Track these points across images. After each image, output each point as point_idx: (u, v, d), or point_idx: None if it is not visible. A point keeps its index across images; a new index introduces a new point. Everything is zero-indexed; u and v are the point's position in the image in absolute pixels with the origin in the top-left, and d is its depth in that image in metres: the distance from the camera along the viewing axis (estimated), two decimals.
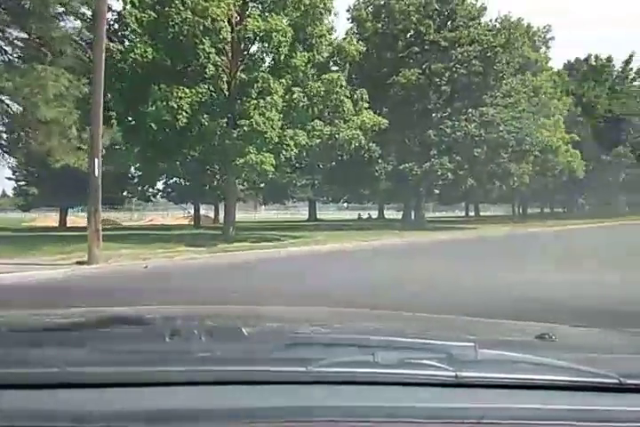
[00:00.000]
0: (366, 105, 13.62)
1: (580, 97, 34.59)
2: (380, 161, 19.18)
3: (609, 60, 38.57)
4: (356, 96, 13.09)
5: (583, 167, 29.64)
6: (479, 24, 20.43)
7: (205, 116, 11.76)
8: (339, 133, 12.19)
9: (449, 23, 20.20)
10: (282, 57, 11.98)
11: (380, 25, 19.56)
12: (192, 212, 25.88)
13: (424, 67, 18.91)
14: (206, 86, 11.80)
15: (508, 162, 20.11)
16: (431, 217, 37.68)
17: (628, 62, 38.91)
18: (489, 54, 19.03)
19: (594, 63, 38.63)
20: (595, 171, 32.73)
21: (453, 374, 0.79)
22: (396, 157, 19.28)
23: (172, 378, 0.78)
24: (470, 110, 19.53)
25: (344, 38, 13.91)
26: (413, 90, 18.78)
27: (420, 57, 19.34)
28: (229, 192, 13.18)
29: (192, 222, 24.03)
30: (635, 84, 38.93)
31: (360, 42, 14.30)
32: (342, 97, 12.23)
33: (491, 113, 19.36)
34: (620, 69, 38.92)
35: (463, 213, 44.25)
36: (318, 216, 37.14)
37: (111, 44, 11.32)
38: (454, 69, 19.18)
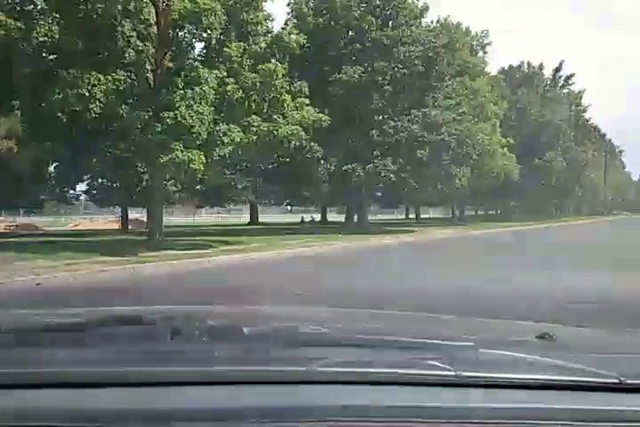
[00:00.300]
0: (307, 101, 12.61)
1: (515, 102, 35.46)
2: (322, 162, 18.23)
3: (540, 67, 40.03)
4: (294, 89, 12.04)
5: (517, 171, 30.23)
6: (420, 24, 20.02)
7: (124, 107, 10.28)
8: (277, 130, 11.07)
9: (391, 22, 19.62)
10: (213, 42, 10.74)
11: (321, 20, 18.65)
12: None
13: (366, 65, 18.18)
14: (125, 74, 10.31)
15: (449, 164, 19.76)
16: (373, 220, 37.39)
17: (557, 70, 40.61)
18: (431, 54, 18.61)
19: (526, 70, 39.86)
20: (528, 174, 33.62)
21: (453, 373, 0.78)
22: (338, 158, 18.40)
23: (172, 378, 0.78)
24: (413, 111, 19.02)
25: (283, 28, 12.82)
26: (356, 88, 18.00)
27: (362, 55, 18.59)
28: (155, 193, 11.70)
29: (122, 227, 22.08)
30: (564, 91, 40.63)
31: (300, 34, 13.26)
32: (281, 90, 11.13)
33: (433, 114, 18.95)
34: (551, 77, 40.49)
35: (403, 216, 44.36)
36: (260, 220, 35.95)
37: (9, 21, 9.62)
38: (397, 69, 18.59)
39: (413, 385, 0.78)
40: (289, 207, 47.46)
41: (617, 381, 0.78)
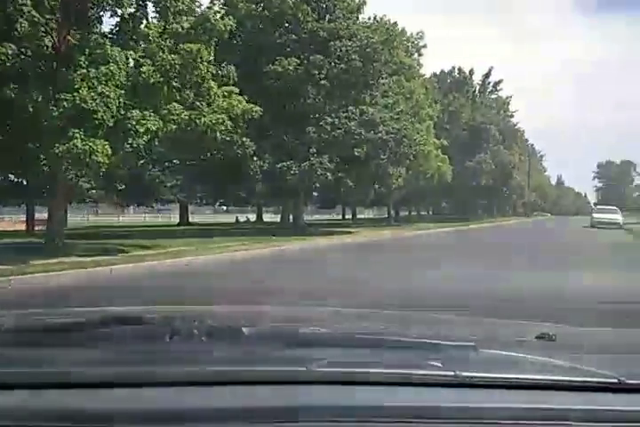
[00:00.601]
0: (237, 90, 11.38)
1: (447, 105, 35.92)
2: (255, 159, 16.97)
3: (471, 72, 41.00)
4: (221, 74, 10.76)
5: (450, 172, 30.51)
6: (357, 19, 19.29)
7: (13, 86, 8.57)
8: (200, 118, 9.74)
9: (327, 15, 18.72)
10: (126, 17, 9.26)
11: (253, 6, 17.40)
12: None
13: (302, 57, 17.14)
14: (13, 47, 8.60)
15: (387, 163, 19.17)
16: (310, 220, 36.53)
17: (487, 76, 41.78)
18: (368, 50, 17.89)
19: (457, 75, 40.68)
20: (459, 176, 34.14)
21: (453, 373, 0.78)
22: (272, 155, 17.22)
23: (172, 378, 0.77)
24: (350, 108, 18.22)
25: (209, 7, 11.47)
26: (291, 81, 16.92)
27: (297, 46, 17.53)
28: (54, 189, 9.97)
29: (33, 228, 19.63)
30: (492, 96, 41.85)
31: (230, 17, 11.98)
32: (205, 74, 9.81)
33: (371, 112, 18.26)
34: (480, 82, 41.58)
35: (340, 217, 43.87)
36: (193, 220, 34.06)
37: None
38: (333, 64, 17.72)
39: (413, 385, 0.78)
40: (224, 207, 45.78)
41: (617, 381, 0.78)
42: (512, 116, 43.36)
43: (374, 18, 22.05)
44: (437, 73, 39.30)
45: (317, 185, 18.76)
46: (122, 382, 0.76)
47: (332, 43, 17.63)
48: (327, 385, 0.76)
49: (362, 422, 0.71)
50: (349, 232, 20.62)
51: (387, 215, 32.63)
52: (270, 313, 1.61)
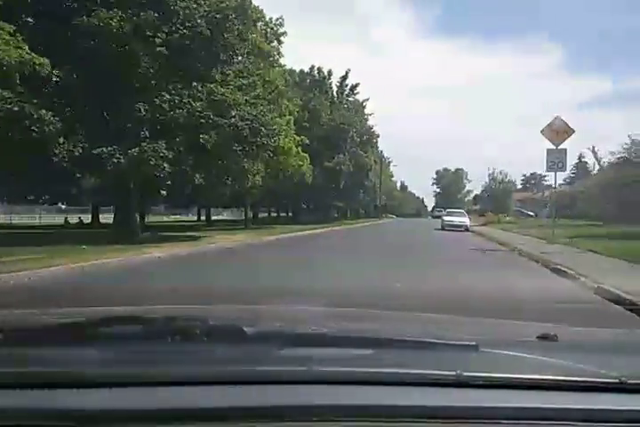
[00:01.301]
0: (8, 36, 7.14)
1: (307, 103, 34.01)
2: (62, 140, 12.35)
3: (329, 73, 39.80)
4: None
5: (310, 172, 28.47)
6: None
7: None
8: None
9: None
10: None
11: None
12: None
13: (130, 12, 13.00)
14: None
15: (242, 156, 15.87)
16: (156, 222, 31.51)
17: (344, 78, 40.97)
18: (219, 16, 14.45)
19: (316, 75, 39.26)
20: (319, 176, 32.45)
21: (454, 373, 0.77)
22: (88, 138, 12.76)
23: (173, 378, 0.76)
24: (196, 84, 14.57)
25: None
26: (114, 41, 12.68)
27: None
28: None
29: None
30: (350, 98, 41.18)
31: None
32: None
33: (221, 92, 14.81)
34: (338, 84, 40.62)
35: (196, 218, 39.30)
36: (16, 221, 27.20)
37: None
38: (174, 28, 13.91)
39: (414, 385, 0.76)
40: (63, 206, 38.08)
41: (619, 381, 0.77)
42: (367, 119, 43.23)
43: None
44: (297, 71, 37.30)
45: (168, 181, 14.59)
46: (122, 382, 0.75)
47: (172, 1, 13.80)
48: (327, 385, 0.75)
49: (362, 422, 0.70)
50: (196, 238, 16.87)
51: (244, 217, 29.28)
52: (270, 313, 1.59)
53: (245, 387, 0.74)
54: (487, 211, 42.00)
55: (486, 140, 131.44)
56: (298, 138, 26.31)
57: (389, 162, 72.19)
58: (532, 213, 48.06)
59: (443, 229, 28.57)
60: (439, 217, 49.72)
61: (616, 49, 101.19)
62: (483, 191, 55.23)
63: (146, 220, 26.63)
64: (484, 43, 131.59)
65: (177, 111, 13.91)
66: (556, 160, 14.46)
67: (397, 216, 71.59)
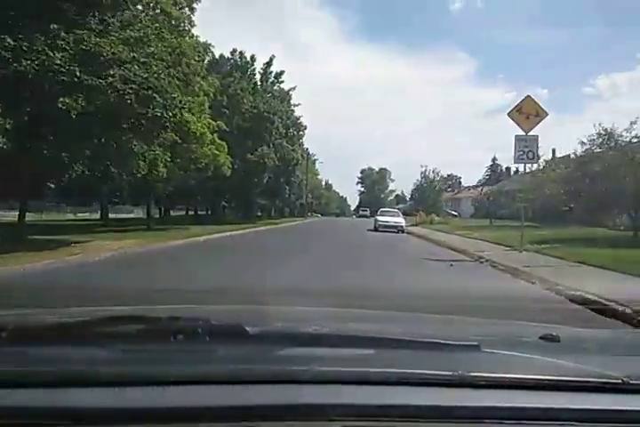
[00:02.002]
0: None
1: (227, 87, 29.88)
2: None
3: (252, 58, 35.80)
4: None
5: (229, 164, 24.42)
6: None
7: None
8: None
9: None
10: None
11: None
12: None
13: None
14: None
15: (127, 135, 11.61)
16: (47, 220, 25.76)
17: (268, 64, 37.10)
18: None
19: (238, 59, 35.24)
20: (240, 170, 28.52)
21: (456, 373, 0.76)
22: None
23: (174, 377, 0.75)
24: (56, 27, 10.16)
25: None
26: None
27: None
28: None
29: None
30: (275, 88, 37.41)
31: None
32: None
33: (95, 42, 10.50)
34: (262, 71, 36.75)
35: (99, 216, 33.41)
36: None
37: None
38: None
39: (415, 385, 0.75)
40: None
41: (621, 381, 0.77)
42: (294, 110, 39.68)
43: None
44: (217, 56, 32.94)
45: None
46: (122, 382, 0.73)
47: None
48: (327, 385, 0.75)
49: (362, 422, 0.69)
50: (67, 243, 12.28)
51: (147, 216, 24.46)
52: (270, 313, 1.57)
53: (246, 387, 0.74)
54: (414, 211, 40.21)
55: (406, 141, 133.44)
56: (214, 123, 22.20)
57: (315, 159, 69.45)
58: (455, 213, 47.51)
59: (376, 230, 25.61)
60: (364, 216, 47.03)
61: (518, 62, 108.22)
62: (414, 190, 53.76)
63: (29, 218, 21.06)
64: (406, 48, 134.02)
65: (23, 63, 9.43)
66: (525, 149, 11.78)
67: (322, 215, 69.08)
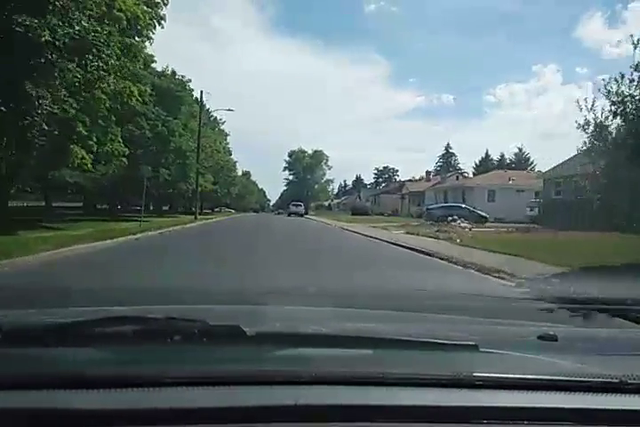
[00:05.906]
0: None
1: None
2: None
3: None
4: None
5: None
6: None
7: None
8: None
9: None
10: None
11: None
12: None
13: None
14: None
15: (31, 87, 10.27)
16: None
17: None
18: None
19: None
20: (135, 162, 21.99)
21: (455, 373, 0.76)
22: None
23: (172, 378, 0.75)
24: None
25: None
26: None
27: None
28: None
29: None
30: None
31: None
32: None
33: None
34: None
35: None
36: None
37: None
38: None
39: (414, 385, 0.74)
40: None
41: (619, 381, 0.76)
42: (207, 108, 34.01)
43: None
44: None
45: None
46: (122, 382, 0.73)
47: None
48: (327, 385, 0.74)
49: (362, 422, 0.68)
50: None
51: (46, 206, 19.45)
52: (270, 313, 1.59)
53: (245, 387, 0.73)
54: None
55: (323, 138, 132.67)
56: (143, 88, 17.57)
57: (223, 130, 45.32)
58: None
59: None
60: (296, 213, 41.86)
61: (428, 68, 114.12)
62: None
63: None
64: (323, 44, 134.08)
65: None
66: None
67: (236, 211, 57.57)
